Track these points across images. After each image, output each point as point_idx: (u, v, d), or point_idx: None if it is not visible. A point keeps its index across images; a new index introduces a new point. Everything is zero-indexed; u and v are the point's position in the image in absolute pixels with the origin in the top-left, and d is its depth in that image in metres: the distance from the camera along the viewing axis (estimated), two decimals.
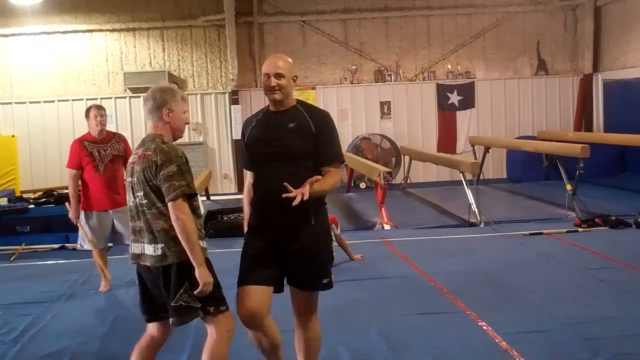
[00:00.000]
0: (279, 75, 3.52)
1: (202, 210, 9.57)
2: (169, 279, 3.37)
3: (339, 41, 14.46)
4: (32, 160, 13.69)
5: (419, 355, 4.41)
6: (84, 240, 6.37)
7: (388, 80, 14.54)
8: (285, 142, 3.53)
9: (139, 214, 3.44)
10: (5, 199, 9.27)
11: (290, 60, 3.66)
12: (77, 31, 13.97)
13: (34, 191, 11.36)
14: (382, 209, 9.44)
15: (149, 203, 3.38)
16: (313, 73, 14.46)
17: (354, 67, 14.31)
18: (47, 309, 5.85)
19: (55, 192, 9.45)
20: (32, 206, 8.95)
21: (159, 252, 3.37)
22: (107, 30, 14.05)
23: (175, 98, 3.50)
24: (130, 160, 3.54)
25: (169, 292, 3.37)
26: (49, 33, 13.88)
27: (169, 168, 3.32)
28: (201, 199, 10.19)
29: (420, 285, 6.20)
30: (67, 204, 6.50)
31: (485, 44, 14.82)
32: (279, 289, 3.68)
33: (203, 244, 3.46)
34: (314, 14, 14.41)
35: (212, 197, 12.73)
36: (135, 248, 3.50)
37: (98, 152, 6.25)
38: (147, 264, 3.43)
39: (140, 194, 3.41)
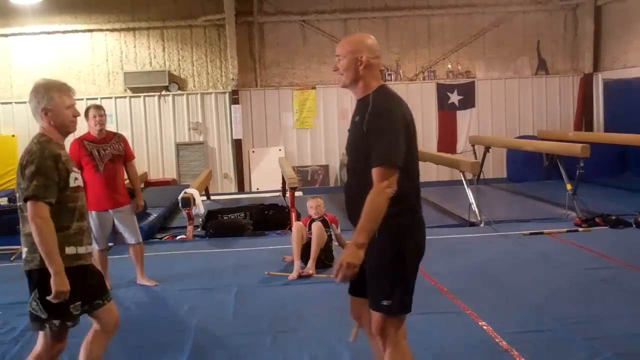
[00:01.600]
0: (337, 57, 3.23)
1: (202, 210, 9.55)
2: (30, 284, 3.34)
3: (339, 41, 14.38)
4: None
5: (419, 355, 4.39)
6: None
7: (388, 80, 14.52)
8: (350, 140, 3.23)
9: (19, 213, 3.41)
10: (6, 198, 9.28)
11: (357, 38, 3.28)
12: (77, 31, 13.97)
13: None
14: None
15: (22, 205, 3.33)
16: (313, 73, 14.46)
17: None
18: None
19: None
20: None
21: (24, 256, 3.34)
22: (107, 30, 14.05)
23: (49, 95, 3.35)
24: None
25: (29, 295, 3.34)
26: (49, 33, 13.88)
27: (30, 168, 3.24)
28: (201, 198, 10.18)
29: (420, 285, 6.12)
30: None
31: (485, 44, 14.82)
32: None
33: (79, 250, 3.35)
34: (314, 14, 14.41)
35: (212, 197, 12.72)
36: None
37: (98, 152, 6.24)
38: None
39: (17, 195, 3.39)
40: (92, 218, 6.23)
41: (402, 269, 3.15)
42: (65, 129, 3.44)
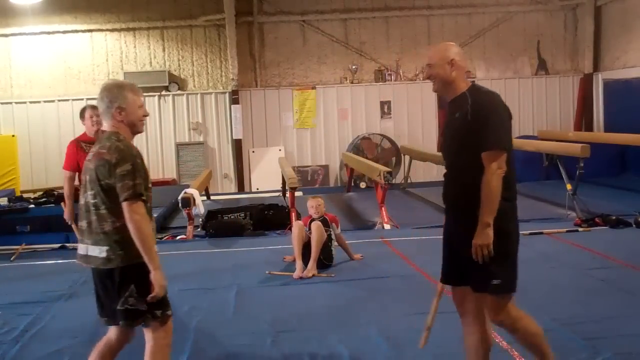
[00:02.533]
0: (428, 66, 3.54)
1: (202, 210, 9.56)
2: (114, 282, 3.30)
3: (339, 41, 14.45)
4: (32, 160, 13.70)
5: (419, 355, 4.40)
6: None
7: (388, 80, 14.55)
8: (450, 135, 3.51)
9: (86, 213, 3.37)
10: (6, 198, 9.27)
11: (444, 47, 3.54)
12: (77, 31, 13.98)
13: (34, 191, 11.39)
14: (383, 208, 9.44)
15: (97, 203, 3.30)
16: (313, 73, 14.46)
17: (354, 67, 14.31)
18: (47, 308, 5.85)
19: (55, 192, 9.45)
20: (32, 206, 8.95)
21: (104, 254, 3.30)
22: (107, 30, 14.06)
23: (123, 94, 3.36)
24: (87, 158, 3.45)
25: (115, 295, 3.32)
26: (49, 33, 13.89)
27: (124, 167, 3.22)
28: (201, 198, 10.17)
29: (420, 285, 6.20)
30: (62, 204, 6.47)
31: (485, 44, 14.82)
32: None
33: (155, 247, 3.36)
34: (314, 14, 14.42)
35: (212, 197, 12.72)
36: (80, 249, 3.43)
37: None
38: (93, 266, 3.38)
39: (91, 193, 3.33)
40: None
41: (508, 248, 3.36)
42: (136, 127, 3.45)
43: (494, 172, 3.23)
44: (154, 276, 3.23)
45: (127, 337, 3.52)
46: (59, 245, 8.54)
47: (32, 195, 10.27)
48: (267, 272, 6.80)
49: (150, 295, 3.24)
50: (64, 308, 5.92)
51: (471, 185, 3.29)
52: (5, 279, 7.15)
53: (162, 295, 3.30)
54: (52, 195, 9.18)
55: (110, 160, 3.25)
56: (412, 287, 6.15)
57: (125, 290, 3.28)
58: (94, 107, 6.44)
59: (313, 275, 6.55)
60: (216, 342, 4.82)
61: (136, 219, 3.19)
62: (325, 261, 6.84)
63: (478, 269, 3.33)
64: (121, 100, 3.35)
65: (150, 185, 3.40)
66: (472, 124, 3.30)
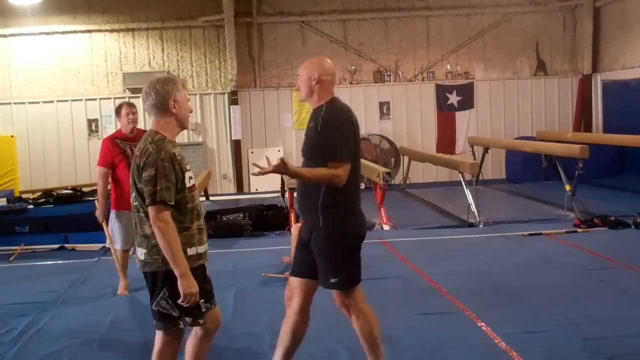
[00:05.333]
0: (299, 76, 3.84)
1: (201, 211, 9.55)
2: (150, 285, 3.34)
3: (338, 41, 14.46)
4: (31, 160, 13.68)
5: (418, 356, 4.41)
6: (115, 239, 6.28)
7: (387, 81, 14.55)
8: (306, 141, 3.83)
9: (133, 214, 3.40)
10: (5, 199, 9.26)
11: (315, 60, 3.86)
12: (76, 31, 13.96)
13: (33, 191, 11.35)
14: (381, 209, 9.44)
15: (138, 205, 3.32)
16: None
17: (353, 68, 14.31)
18: (46, 309, 5.85)
19: (54, 193, 9.44)
20: (31, 206, 8.94)
21: (142, 257, 3.33)
22: (106, 30, 14.05)
23: (177, 87, 3.39)
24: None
25: (150, 295, 3.35)
26: (48, 33, 13.87)
27: (148, 172, 3.21)
28: (201, 199, 10.16)
29: (419, 286, 6.21)
30: (95, 201, 6.43)
31: (484, 45, 14.82)
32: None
33: (199, 249, 3.37)
34: (313, 15, 14.41)
35: (211, 198, 12.72)
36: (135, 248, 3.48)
37: (130, 150, 6.11)
38: (138, 266, 3.42)
39: (133, 195, 3.36)
40: (119, 217, 6.16)
41: (343, 249, 3.76)
42: (185, 121, 3.46)
43: (333, 175, 3.59)
44: (180, 282, 3.19)
45: (173, 340, 3.42)
46: (58, 245, 8.54)
47: (31, 196, 10.25)
48: (262, 274, 6.79)
49: (179, 300, 3.22)
50: (62, 309, 5.91)
51: (315, 190, 3.67)
52: (4, 280, 7.14)
53: (194, 303, 3.26)
54: (51, 196, 9.18)
55: (139, 164, 3.26)
56: (410, 287, 6.16)
57: (159, 293, 3.29)
58: (130, 105, 6.46)
59: None
60: (215, 342, 4.80)
61: (159, 226, 3.17)
62: None
63: (320, 268, 3.74)
64: (176, 92, 3.37)
65: (190, 185, 3.35)
66: (320, 135, 3.66)
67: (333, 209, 3.68)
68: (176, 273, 3.19)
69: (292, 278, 3.89)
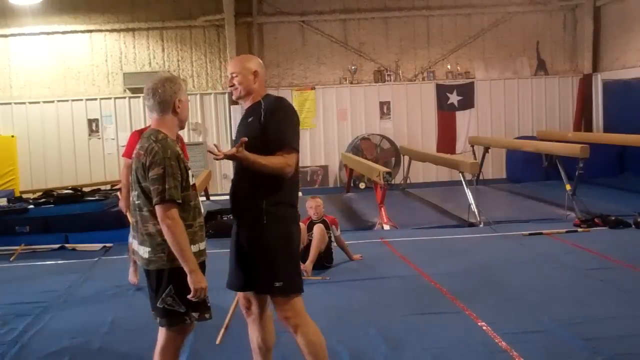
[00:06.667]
0: (232, 75, 3.62)
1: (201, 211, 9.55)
2: (154, 282, 3.34)
3: (339, 41, 14.45)
4: (32, 160, 13.69)
5: (418, 355, 4.40)
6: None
7: (387, 81, 14.55)
8: (240, 136, 3.52)
9: (133, 212, 3.41)
10: (5, 199, 9.27)
11: (247, 57, 3.73)
12: (76, 31, 13.97)
13: (34, 191, 11.38)
14: (382, 209, 9.44)
15: (140, 204, 3.33)
16: (312, 73, 14.46)
17: (353, 67, 14.31)
18: (47, 309, 5.85)
19: (54, 193, 9.45)
20: (31, 206, 8.95)
21: (146, 255, 3.33)
22: (107, 30, 14.05)
23: (182, 88, 3.42)
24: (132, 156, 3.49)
25: (153, 293, 3.36)
26: (48, 33, 13.88)
27: (155, 170, 3.22)
28: (201, 199, 10.16)
29: (419, 286, 6.20)
30: (118, 193, 6.42)
31: (484, 44, 14.82)
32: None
33: (201, 246, 3.39)
34: (313, 14, 14.41)
35: (211, 197, 12.72)
36: (134, 243, 3.48)
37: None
38: (139, 263, 3.42)
39: (135, 193, 3.36)
40: None
41: (291, 250, 3.54)
42: (184, 122, 3.49)
43: (285, 164, 3.41)
44: (190, 278, 3.21)
45: (177, 335, 3.43)
46: (58, 245, 8.54)
47: (31, 196, 10.26)
48: None
49: (189, 296, 3.24)
50: (63, 309, 5.91)
51: (258, 188, 3.45)
52: (4, 280, 7.14)
53: (202, 298, 3.29)
54: (51, 196, 9.18)
55: (145, 163, 3.26)
56: (411, 287, 6.16)
57: (164, 290, 3.31)
58: None
59: (308, 276, 6.53)
60: (215, 342, 4.82)
61: (167, 224, 3.19)
62: (326, 263, 6.86)
63: (261, 271, 3.49)
64: (181, 92, 3.39)
65: (192, 183, 3.37)
66: (264, 126, 3.47)
67: (277, 209, 3.47)
68: (186, 269, 3.22)
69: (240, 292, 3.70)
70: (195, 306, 3.32)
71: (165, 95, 3.36)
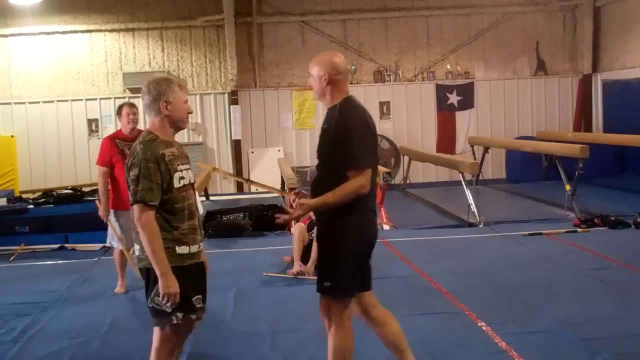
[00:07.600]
0: (310, 76, 3.60)
1: (201, 211, 9.54)
2: (145, 279, 3.38)
3: (338, 41, 14.45)
4: (32, 160, 13.69)
5: (418, 356, 4.39)
6: (114, 238, 6.25)
7: (387, 81, 14.55)
8: (321, 142, 3.57)
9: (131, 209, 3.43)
10: (5, 199, 9.26)
11: (324, 58, 3.58)
12: (76, 31, 13.96)
13: (33, 191, 11.37)
14: (382, 209, 9.44)
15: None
16: None
17: (353, 68, 14.30)
18: (47, 309, 5.85)
19: (54, 193, 9.44)
20: (31, 206, 8.94)
21: (138, 253, 3.38)
22: (107, 30, 14.05)
23: (172, 89, 3.39)
24: None
25: (145, 290, 3.38)
26: (48, 33, 13.87)
27: (133, 172, 3.27)
28: (201, 199, 10.17)
29: (419, 286, 6.20)
30: (97, 201, 6.44)
31: (484, 45, 14.82)
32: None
33: (192, 248, 3.39)
34: (313, 14, 14.41)
35: (211, 197, 12.71)
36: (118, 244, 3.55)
37: (129, 150, 6.14)
38: (136, 261, 3.46)
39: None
40: (122, 217, 6.14)
41: (342, 254, 3.46)
42: (179, 124, 3.47)
43: (356, 188, 3.38)
44: (160, 281, 3.23)
45: (171, 336, 3.44)
46: (58, 245, 8.53)
47: (31, 196, 10.25)
48: (264, 273, 6.79)
49: (159, 298, 3.26)
50: (63, 309, 5.91)
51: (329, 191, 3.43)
52: (4, 280, 7.14)
53: (184, 296, 3.29)
54: (51, 196, 9.18)
55: (127, 163, 3.32)
56: (411, 287, 6.16)
57: (152, 289, 3.32)
58: (131, 105, 6.46)
59: (308, 276, 6.53)
60: (215, 342, 4.82)
61: (139, 225, 3.23)
62: None
63: (319, 270, 3.62)
64: (169, 94, 3.38)
65: (179, 186, 3.34)
66: (335, 140, 3.44)
67: (348, 210, 3.42)
68: (156, 272, 3.23)
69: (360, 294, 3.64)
70: (181, 306, 3.32)
71: (151, 97, 3.39)
